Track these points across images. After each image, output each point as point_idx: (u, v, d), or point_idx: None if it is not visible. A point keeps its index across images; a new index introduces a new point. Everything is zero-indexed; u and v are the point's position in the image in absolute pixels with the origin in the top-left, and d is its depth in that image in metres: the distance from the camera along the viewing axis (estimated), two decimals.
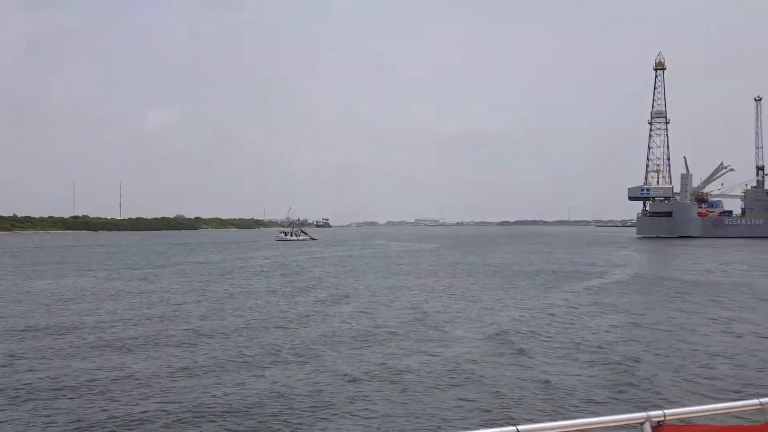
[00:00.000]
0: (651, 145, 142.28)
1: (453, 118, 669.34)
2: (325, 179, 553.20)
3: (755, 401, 3.49)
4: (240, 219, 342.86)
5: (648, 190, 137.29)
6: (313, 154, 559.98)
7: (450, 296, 33.80)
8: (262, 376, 16.38)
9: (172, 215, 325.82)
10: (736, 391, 14.38)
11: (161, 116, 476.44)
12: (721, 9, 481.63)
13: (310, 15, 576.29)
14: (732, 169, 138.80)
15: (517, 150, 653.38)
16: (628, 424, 3.24)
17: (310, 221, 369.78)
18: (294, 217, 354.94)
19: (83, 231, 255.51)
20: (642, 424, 3.18)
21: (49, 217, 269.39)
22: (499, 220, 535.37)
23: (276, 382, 15.62)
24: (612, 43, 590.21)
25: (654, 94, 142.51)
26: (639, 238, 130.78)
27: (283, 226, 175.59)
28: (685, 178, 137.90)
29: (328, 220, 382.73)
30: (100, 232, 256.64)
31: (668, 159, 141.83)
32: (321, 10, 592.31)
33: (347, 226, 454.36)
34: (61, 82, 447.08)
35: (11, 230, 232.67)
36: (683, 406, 3.46)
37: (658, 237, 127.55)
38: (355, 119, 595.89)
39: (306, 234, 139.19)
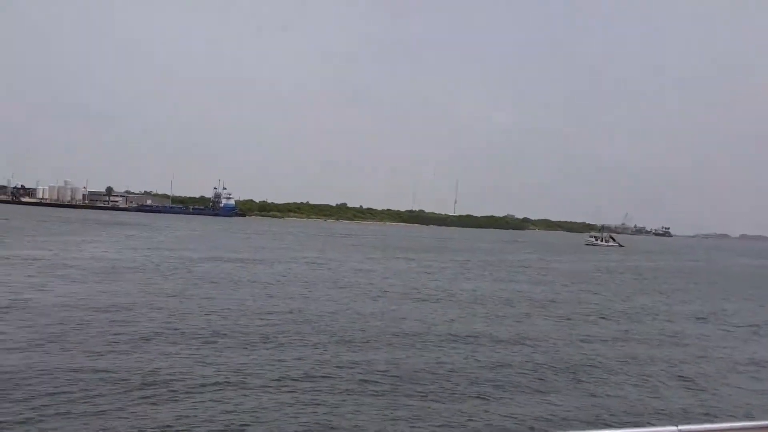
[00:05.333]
0: None
1: None
2: (670, 183, 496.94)
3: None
4: (569, 222, 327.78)
5: None
6: (656, 154, 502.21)
7: None
8: None
9: (502, 214, 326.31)
10: None
11: (504, 117, 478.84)
12: None
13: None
14: None
15: None
16: None
17: (648, 229, 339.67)
18: (630, 224, 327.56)
19: (415, 224, 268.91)
20: None
21: (388, 209, 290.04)
22: None
23: None
24: None
25: None
26: None
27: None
28: None
29: (668, 229, 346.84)
30: (431, 226, 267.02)
31: None
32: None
33: (692, 236, 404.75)
34: (418, 83, 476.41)
35: (353, 219, 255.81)
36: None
37: None
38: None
39: (614, 240, 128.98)
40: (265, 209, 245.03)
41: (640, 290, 39.36)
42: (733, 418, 12.67)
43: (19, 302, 22.07)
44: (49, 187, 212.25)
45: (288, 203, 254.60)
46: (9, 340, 16.33)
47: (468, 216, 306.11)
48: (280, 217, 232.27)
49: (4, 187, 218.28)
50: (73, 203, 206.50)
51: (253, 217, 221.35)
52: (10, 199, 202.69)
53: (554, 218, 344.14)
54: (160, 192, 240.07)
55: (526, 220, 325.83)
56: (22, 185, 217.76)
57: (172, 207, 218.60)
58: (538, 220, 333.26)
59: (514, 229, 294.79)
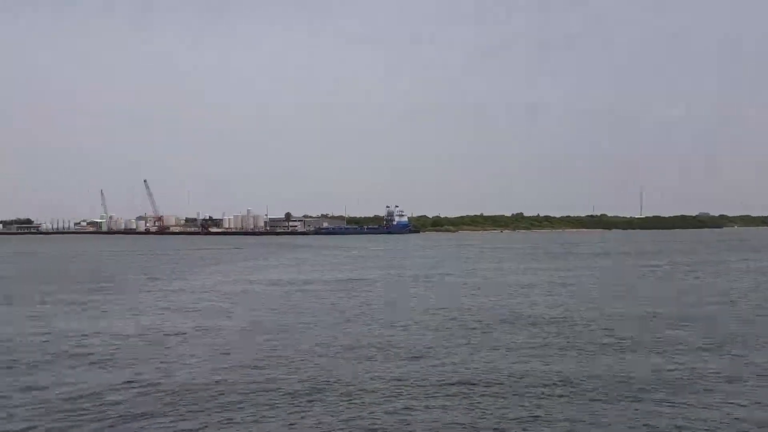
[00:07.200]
0: None
1: None
2: None
3: None
4: None
5: None
6: None
7: None
8: None
9: (693, 213, 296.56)
10: None
11: (675, 111, 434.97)
12: None
13: None
14: None
15: None
16: None
17: None
18: None
19: (597, 230, 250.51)
20: None
21: (567, 216, 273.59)
22: None
23: None
24: None
25: None
26: None
27: None
28: None
29: None
30: (613, 230, 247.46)
31: None
32: None
33: None
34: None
35: (530, 229, 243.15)
36: None
37: None
38: None
39: None
40: (438, 224, 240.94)
41: None
42: None
43: None
44: (234, 216, 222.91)
45: (462, 216, 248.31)
46: None
47: (655, 217, 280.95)
48: (453, 231, 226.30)
49: (194, 219, 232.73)
50: (256, 230, 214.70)
51: (427, 232, 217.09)
52: (200, 230, 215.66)
53: (756, 213, 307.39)
54: (335, 214, 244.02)
55: (723, 217, 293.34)
56: (210, 216, 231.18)
57: (347, 228, 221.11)
58: (737, 216, 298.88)
59: (710, 227, 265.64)
